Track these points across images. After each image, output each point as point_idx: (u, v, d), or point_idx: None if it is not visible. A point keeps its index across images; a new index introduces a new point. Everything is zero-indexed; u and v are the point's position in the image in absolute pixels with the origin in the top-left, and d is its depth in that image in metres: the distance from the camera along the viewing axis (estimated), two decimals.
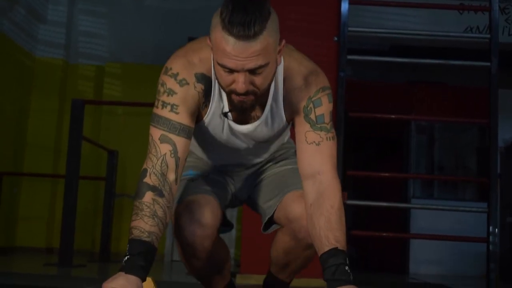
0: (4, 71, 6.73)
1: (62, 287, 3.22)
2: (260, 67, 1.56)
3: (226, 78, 1.59)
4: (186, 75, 1.71)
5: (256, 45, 1.52)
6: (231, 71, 1.56)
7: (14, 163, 7.07)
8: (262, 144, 1.93)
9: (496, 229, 3.91)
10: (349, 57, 4.01)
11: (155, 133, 1.69)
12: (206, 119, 1.80)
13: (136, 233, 1.59)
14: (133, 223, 1.61)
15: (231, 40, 1.51)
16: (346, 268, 1.61)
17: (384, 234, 4.40)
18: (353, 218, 7.74)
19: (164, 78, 1.72)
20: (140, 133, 7.35)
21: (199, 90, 1.72)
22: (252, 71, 1.56)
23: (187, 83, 1.71)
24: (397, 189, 7.37)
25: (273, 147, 2.02)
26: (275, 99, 1.78)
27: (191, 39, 2.26)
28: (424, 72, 7.62)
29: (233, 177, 2.06)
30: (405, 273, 6.93)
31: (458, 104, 7.22)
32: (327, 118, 1.77)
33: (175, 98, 1.70)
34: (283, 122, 1.83)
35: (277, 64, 1.65)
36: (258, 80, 1.59)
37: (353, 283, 1.61)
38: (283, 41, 1.64)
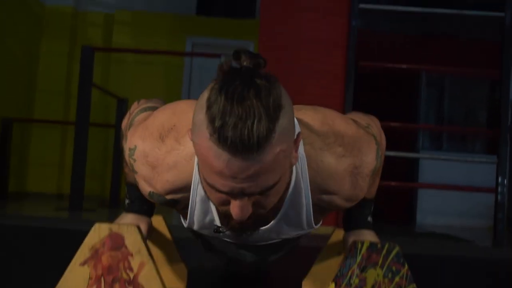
0: (14, 19, 6.69)
1: (74, 229, 3.28)
2: (267, 189, 1.08)
3: (218, 196, 1.11)
4: (153, 195, 1.33)
5: (260, 161, 1.02)
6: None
7: (25, 109, 7.10)
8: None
9: (505, 180, 3.93)
10: (361, 5, 3.95)
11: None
12: (193, 227, 1.38)
13: (130, 179, 1.60)
14: (126, 169, 1.61)
15: (223, 155, 1.02)
16: (369, 218, 1.66)
17: (393, 183, 4.42)
18: None
19: (133, 163, 1.33)
20: (150, 82, 7.34)
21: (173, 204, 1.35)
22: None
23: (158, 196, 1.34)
24: (407, 140, 7.36)
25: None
26: (293, 206, 1.29)
27: None
28: (436, 25, 7.53)
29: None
30: (412, 224, 6.98)
31: (469, 59, 7.15)
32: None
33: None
34: (310, 226, 1.36)
35: (292, 167, 1.20)
36: (264, 200, 1.12)
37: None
38: (299, 133, 1.13)
